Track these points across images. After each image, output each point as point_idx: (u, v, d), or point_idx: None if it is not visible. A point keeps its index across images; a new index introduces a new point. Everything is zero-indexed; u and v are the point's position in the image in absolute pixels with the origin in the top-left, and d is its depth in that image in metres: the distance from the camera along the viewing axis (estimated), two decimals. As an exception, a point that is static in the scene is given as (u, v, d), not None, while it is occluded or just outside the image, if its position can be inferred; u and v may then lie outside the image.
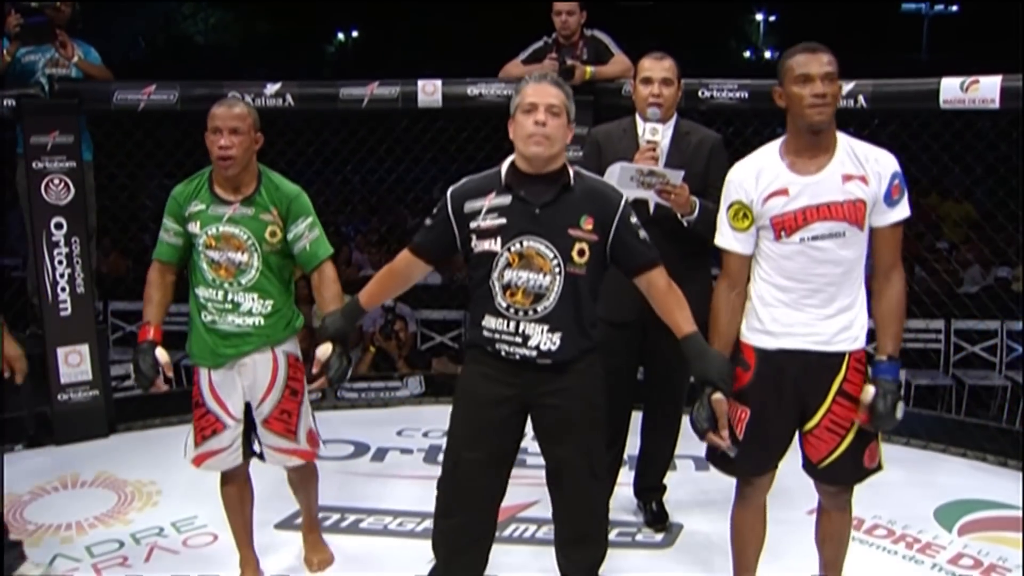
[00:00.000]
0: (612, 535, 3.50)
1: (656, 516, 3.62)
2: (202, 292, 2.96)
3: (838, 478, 2.66)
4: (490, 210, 2.53)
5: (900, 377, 2.57)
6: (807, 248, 2.51)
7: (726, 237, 2.65)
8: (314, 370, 2.75)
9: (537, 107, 2.48)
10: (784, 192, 2.52)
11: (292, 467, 3.15)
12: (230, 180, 2.91)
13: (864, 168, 2.50)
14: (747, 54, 29.01)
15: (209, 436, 3.00)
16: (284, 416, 3.02)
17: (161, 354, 2.89)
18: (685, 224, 3.18)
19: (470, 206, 2.56)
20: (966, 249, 7.36)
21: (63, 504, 3.88)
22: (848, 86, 4.15)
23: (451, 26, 22.38)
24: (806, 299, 2.55)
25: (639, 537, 3.56)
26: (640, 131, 3.28)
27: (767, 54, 27.97)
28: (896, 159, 2.54)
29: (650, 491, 3.67)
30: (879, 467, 2.66)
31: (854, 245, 2.52)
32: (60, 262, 4.57)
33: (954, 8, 26.71)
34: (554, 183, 2.53)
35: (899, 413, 2.51)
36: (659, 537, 3.55)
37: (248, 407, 3.03)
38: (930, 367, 5.89)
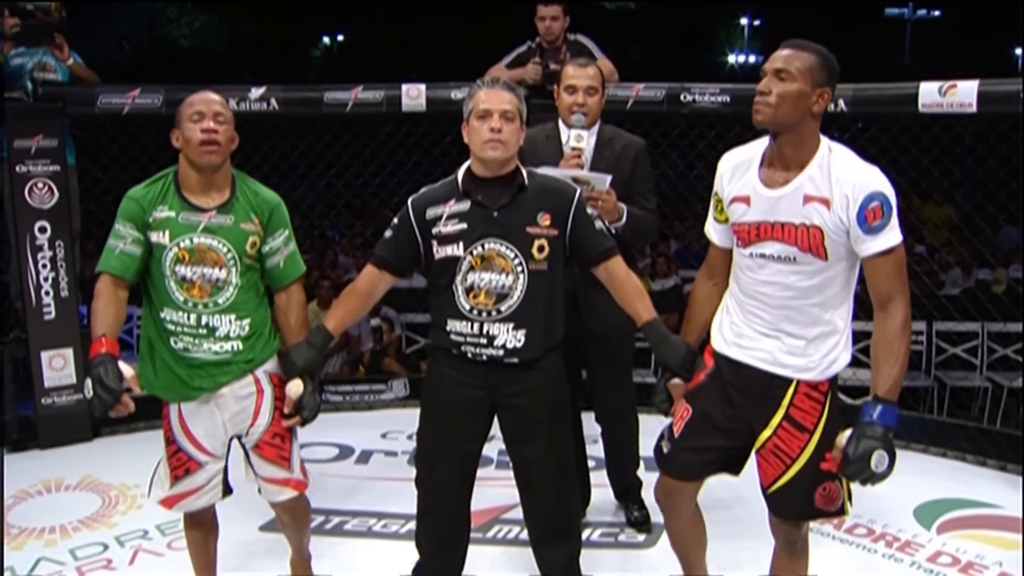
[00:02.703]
0: (595, 535, 3.55)
1: (638, 517, 3.64)
2: (169, 315, 2.56)
3: (782, 509, 2.44)
4: (450, 216, 2.57)
5: (892, 422, 2.18)
6: (755, 264, 2.35)
7: (708, 224, 2.54)
8: (286, 409, 2.64)
9: (491, 113, 2.53)
10: (746, 200, 2.33)
11: (284, 503, 2.79)
12: (207, 178, 2.57)
13: (831, 189, 2.19)
14: (731, 58, 29.12)
15: (183, 476, 2.67)
16: (277, 440, 2.69)
17: (125, 368, 2.44)
18: (613, 231, 3.15)
19: (431, 213, 2.59)
20: (947, 252, 7.42)
21: (47, 507, 3.87)
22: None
23: (435, 31, 22.41)
24: (750, 314, 2.39)
25: (621, 537, 3.58)
26: (564, 138, 3.29)
27: (752, 59, 28.08)
28: (886, 178, 2.20)
29: (627, 492, 3.69)
30: (841, 511, 2.41)
31: (811, 274, 2.27)
32: (44, 266, 4.57)
33: (937, 12, 26.93)
34: (509, 185, 2.57)
35: (875, 462, 2.13)
36: (641, 537, 3.57)
37: (231, 441, 2.72)
38: (911, 368, 5.93)
